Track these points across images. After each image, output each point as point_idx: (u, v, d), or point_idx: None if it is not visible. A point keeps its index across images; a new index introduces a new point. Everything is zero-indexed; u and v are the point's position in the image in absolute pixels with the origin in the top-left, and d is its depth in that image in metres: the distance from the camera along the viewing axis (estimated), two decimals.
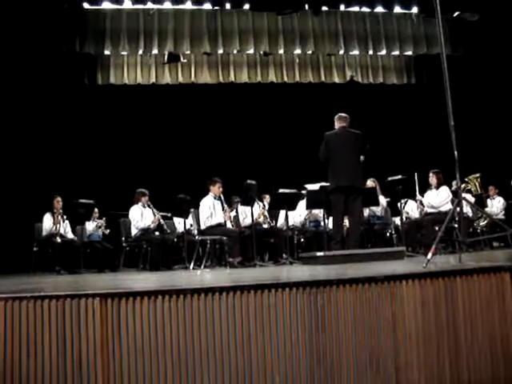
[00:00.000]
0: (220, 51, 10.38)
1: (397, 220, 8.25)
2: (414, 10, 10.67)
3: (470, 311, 2.78)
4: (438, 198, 7.76)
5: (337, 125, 6.54)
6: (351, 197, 6.23)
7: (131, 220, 7.99)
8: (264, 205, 8.48)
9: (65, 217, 8.08)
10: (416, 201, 8.05)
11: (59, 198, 8.19)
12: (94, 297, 2.41)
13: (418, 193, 7.80)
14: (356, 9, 10.67)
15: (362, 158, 6.42)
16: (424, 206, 7.96)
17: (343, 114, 6.57)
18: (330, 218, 6.95)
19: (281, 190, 7.72)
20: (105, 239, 8.62)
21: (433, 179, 7.89)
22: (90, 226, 8.51)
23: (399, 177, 7.39)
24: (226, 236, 7.41)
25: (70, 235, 8.28)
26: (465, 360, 2.72)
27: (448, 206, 7.59)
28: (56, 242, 7.79)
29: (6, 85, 8.83)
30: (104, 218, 8.61)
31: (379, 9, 10.67)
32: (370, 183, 8.26)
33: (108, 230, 8.71)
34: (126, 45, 9.90)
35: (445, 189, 7.80)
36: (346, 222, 6.88)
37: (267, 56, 10.91)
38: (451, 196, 7.72)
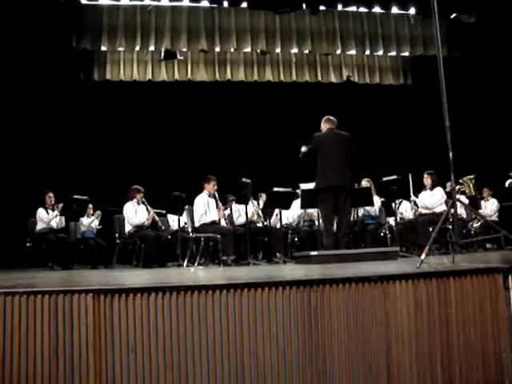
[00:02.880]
0: (217, 49, 10.36)
1: (391, 220, 8.26)
2: (412, 10, 10.68)
3: (462, 312, 2.79)
4: (432, 199, 7.78)
5: (324, 126, 6.60)
6: (341, 197, 6.29)
7: (125, 216, 7.97)
8: (258, 203, 8.48)
9: (60, 206, 8.07)
10: (410, 201, 8.08)
11: (51, 194, 8.20)
12: (86, 293, 2.41)
13: (412, 193, 7.82)
14: (353, 9, 10.67)
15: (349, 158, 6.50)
16: (418, 207, 7.98)
17: (331, 117, 6.63)
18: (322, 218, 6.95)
19: (275, 189, 7.72)
20: (98, 235, 8.61)
21: (427, 180, 7.91)
22: (84, 221, 8.50)
23: (394, 177, 7.40)
24: (219, 234, 7.40)
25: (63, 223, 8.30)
26: (457, 360, 2.73)
27: (442, 207, 7.61)
28: (50, 238, 7.79)
29: (0, 80, 8.79)
30: (98, 212, 8.60)
31: (377, 9, 10.68)
32: (364, 183, 8.27)
33: (100, 226, 8.70)
34: (122, 41, 9.86)
35: (439, 190, 7.82)
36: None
37: (264, 54, 10.90)
38: (445, 197, 7.75)
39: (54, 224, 8.12)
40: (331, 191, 6.27)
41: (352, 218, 8.33)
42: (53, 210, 8.12)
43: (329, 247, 6.08)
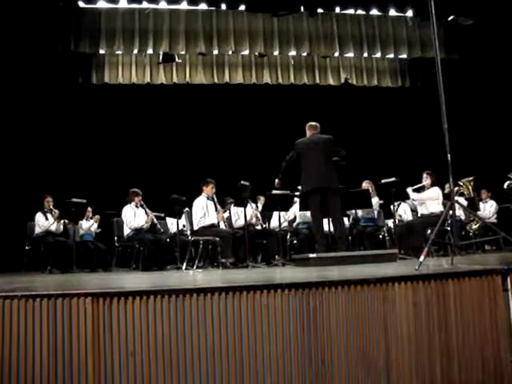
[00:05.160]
0: (215, 52, 10.37)
1: (390, 222, 8.26)
2: (409, 13, 10.69)
3: (461, 314, 2.79)
4: (426, 193, 7.76)
5: (308, 132, 6.73)
6: (328, 198, 6.35)
7: (124, 220, 7.96)
8: (257, 206, 8.48)
9: (57, 213, 8.06)
10: (408, 194, 7.97)
11: (50, 198, 8.19)
12: (85, 296, 2.41)
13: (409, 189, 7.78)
14: (351, 11, 10.68)
15: (335, 158, 6.60)
16: (414, 200, 7.95)
17: (313, 123, 6.76)
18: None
19: (274, 192, 7.72)
20: (97, 239, 8.60)
21: (427, 180, 7.88)
22: (83, 225, 8.49)
23: (392, 179, 7.41)
24: (218, 237, 7.39)
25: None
26: (456, 361, 2.73)
27: (439, 208, 7.60)
28: (48, 241, 7.78)
29: None
30: (97, 216, 8.60)
31: (374, 11, 10.68)
32: (365, 185, 8.28)
33: (100, 229, 8.70)
34: (121, 44, 9.87)
35: (436, 188, 7.81)
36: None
37: (262, 57, 10.91)
38: (441, 197, 7.75)
39: (52, 228, 8.11)
40: (316, 193, 6.37)
41: (351, 220, 8.36)
42: (51, 215, 8.11)
43: (321, 252, 6.13)
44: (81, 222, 8.40)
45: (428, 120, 8.28)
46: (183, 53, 10.32)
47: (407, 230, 7.85)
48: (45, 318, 2.37)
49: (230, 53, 10.52)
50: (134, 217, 7.92)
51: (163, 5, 9.88)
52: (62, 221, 8.18)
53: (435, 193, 7.77)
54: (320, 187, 6.34)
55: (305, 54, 10.77)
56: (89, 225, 8.53)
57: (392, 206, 7.65)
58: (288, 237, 8.31)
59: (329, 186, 6.35)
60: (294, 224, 8.69)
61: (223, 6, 10.12)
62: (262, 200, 8.55)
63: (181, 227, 8.03)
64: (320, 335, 2.60)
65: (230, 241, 7.32)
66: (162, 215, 8.34)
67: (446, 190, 7.85)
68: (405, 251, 7.44)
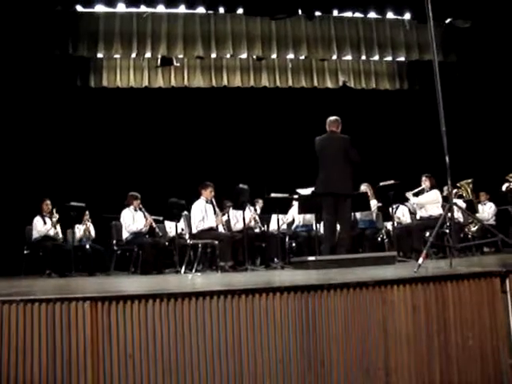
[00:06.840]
0: (213, 55, 10.37)
1: (388, 225, 8.26)
2: (407, 16, 10.69)
3: (460, 316, 2.79)
4: (426, 197, 7.77)
5: (327, 129, 6.59)
6: (340, 201, 6.29)
7: (123, 223, 7.96)
8: (255, 209, 8.48)
9: (55, 219, 8.06)
10: (408, 199, 7.98)
11: (48, 202, 8.18)
12: (84, 300, 2.40)
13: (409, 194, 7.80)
14: (349, 14, 10.67)
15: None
16: (413, 203, 7.96)
17: (333, 118, 6.59)
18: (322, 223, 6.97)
19: (273, 195, 7.73)
20: (96, 242, 8.58)
21: (426, 182, 7.89)
22: (80, 228, 8.48)
23: (391, 182, 7.40)
24: (217, 240, 7.39)
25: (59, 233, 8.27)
26: (455, 364, 2.73)
27: (438, 211, 7.61)
28: (47, 245, 7.77)
29: None
30: (88, 223, 8.55)
31: (372, 14, 10.68)
32: (363, 188, 8.28)
33: (93, 235, 8.64)
34: (119, 48, 9.86)
35: (435, 191, 7.82)
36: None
37: (260, 60, 10.91)
38: (441, 199, 7.76)
39: (51, 233, 8.10)
40: (329, 196, 6.30)
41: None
42: (50, 218, 8.10)
43: (324, 254, 6.10)
44: (79, 225, 8.38)
45: (426, 122, 8.28)
46: (181, 56, 10.32)
47: (406, 232, 7.86)
48: (43, 323, 2.37)
49: (228, 56, 10.52)
50: (132, 220, 7.92)
51: (161, 8, 9.87)
52: (59, 227, 8.17)
53: (435, 196, 7.78)
54: (333, 192, 6.27)
55: (303, 57, 10.76)
56: (79, 230, 8.46)
57: (390, 209, 7.64)
58: (287, 240, 8.32)
59: (341, 192, 6.27)
60: (293, 227, 8.69)
61: (221, 10, 10.11)
62: (260, 203, 8.55)
63: (179, 231, 8.03)
64: (319, 338, 2.60)
65: (228, 244, 7.32)
66: (161, 219, 8.33)
67: (445, 193, 7.86)
68: (404, 254, 7.44)
